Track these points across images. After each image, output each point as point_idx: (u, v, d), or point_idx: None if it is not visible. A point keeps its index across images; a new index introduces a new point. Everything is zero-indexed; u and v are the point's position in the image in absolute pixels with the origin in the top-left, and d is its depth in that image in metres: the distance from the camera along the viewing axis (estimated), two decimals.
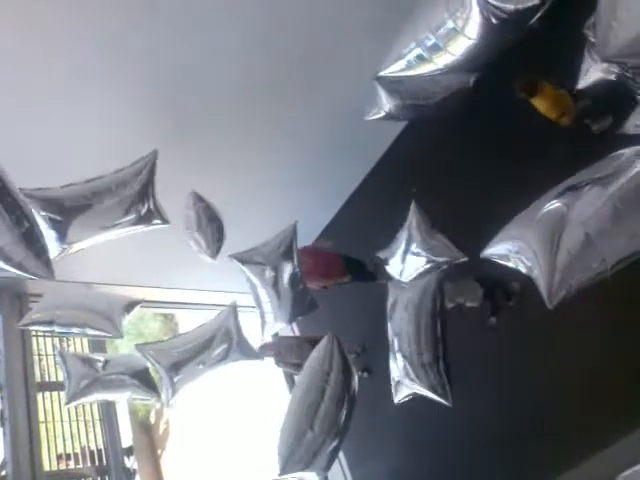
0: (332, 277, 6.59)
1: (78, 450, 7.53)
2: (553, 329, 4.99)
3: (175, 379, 5.48)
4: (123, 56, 4.89)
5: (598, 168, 3.14)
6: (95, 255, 6.37)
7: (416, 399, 6.18)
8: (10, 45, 4.33)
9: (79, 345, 7.78)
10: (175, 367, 5.50)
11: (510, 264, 3.43)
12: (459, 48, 4.43)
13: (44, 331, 6.17)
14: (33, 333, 7.18)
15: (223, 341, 5.76)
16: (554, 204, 3.21)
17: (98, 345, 7.75)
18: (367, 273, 6.89)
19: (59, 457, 7.86)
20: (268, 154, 6.70)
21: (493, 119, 5.83)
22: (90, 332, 5.56)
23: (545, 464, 4.98)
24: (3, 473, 6.11)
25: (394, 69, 4.84)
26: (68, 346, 7.83)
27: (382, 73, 4.95)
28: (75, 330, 5.64)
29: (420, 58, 4.62)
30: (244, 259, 5.56)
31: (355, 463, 7.63)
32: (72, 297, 6.03)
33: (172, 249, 6.19)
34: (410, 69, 4.74)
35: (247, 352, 5.93)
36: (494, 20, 4.09)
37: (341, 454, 7.76)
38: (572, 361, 4.88)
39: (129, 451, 9.83)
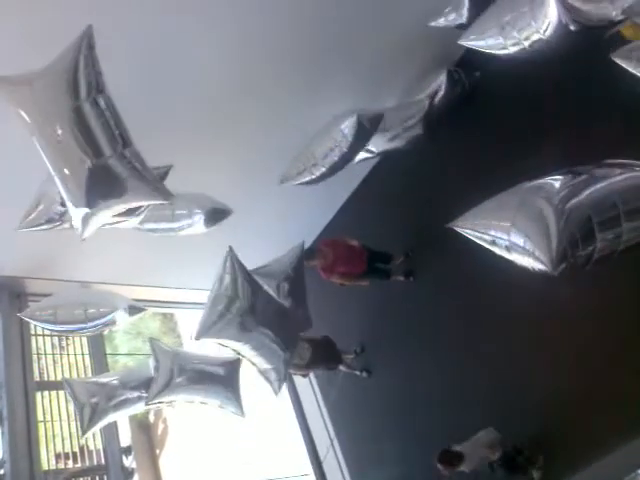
0: (352, 275, 6.55)
1: (77, 449, 7.50)
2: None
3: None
4: None
5: None
6: (95, 255, 6.39)
7: (420, 404, 6.25)
8: None
9: (78, 345, 7.75)
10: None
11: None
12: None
13: (43, 328, 6.19)
14: (32, 332, 7.18)
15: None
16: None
17: (97, 344, 7.73)
18: (383, 271, 6.88)
19: (57, 456, 7.83)
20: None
21: None
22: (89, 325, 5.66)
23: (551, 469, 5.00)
24: (1, 472, 6.11)
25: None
26: (67, 345, 7.81)
27: None
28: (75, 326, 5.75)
29: None
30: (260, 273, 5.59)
31: (355, 465, 7.63)
32: (74, 296, 6.10)
33: (172, 249, 6.18)
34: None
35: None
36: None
37: (342, 461, 7.76)
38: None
39: (127, 450, 9.82)
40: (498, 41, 4.56)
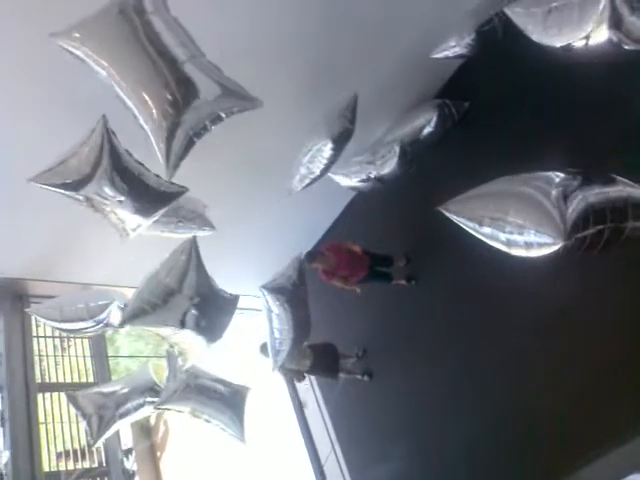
0: (352, 280, 6.55)
1: (78, 450, 7.53)
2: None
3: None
4: None
5: None
6: (96, 257, 6.41)
7: (422, 408, 6.24)
8: None
9: (80, 347, 7.78)
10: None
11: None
12: None
13: (48, 324, 6.25)
14: (34, 334, 7.20)
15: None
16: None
17: (99, 346, 7.75)
18: (384, 275, 6.89)
19: (59, 456, 7.86)
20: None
21: None
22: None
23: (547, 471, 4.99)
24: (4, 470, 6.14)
25: None
26: (69, 347, 7.83)
27: None
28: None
29: None
30: (272, 288, 5.67)
31: (356, 469, 7.61)
32: (78, 295, 6.17)
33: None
34: None
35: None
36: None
37: (342, 460, 7.76)
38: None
39: (128, 452, 9.84)
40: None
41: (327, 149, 5.94)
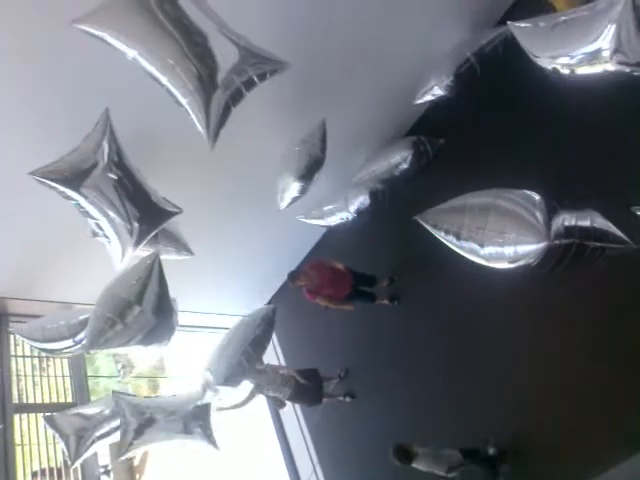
0: (337, 298, 6.55)
1: (54, 468, 7.38)
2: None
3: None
4: None
5: None
6: (76, 275, 6.38)
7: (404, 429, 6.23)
8: None
9: (59, 366, 7.66)
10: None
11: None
12: None
13: (31, 345, 6.18)
14: (12, 353, 7.10)
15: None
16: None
17: (78, 366, 7.65)
18: (368, 294, 6.89)
19: (34, 475, 7.69)
20: None
21: None
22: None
23: None
24: None
25: None
26: (48, 366, 7.71)
27: None
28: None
29: None
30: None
31: None
32: (59, 314, 6.10)
33: None
34: None
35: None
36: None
37: None
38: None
39: (106, 472, 9.66)
40: None
41: (294, 187, 6.22)
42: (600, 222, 3.58)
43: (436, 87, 6.11)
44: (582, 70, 3.64)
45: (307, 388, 6.88)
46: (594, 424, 4.56)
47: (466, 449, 5.15)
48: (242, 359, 5.77)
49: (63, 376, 7.69)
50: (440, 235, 3.99)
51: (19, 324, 6.52)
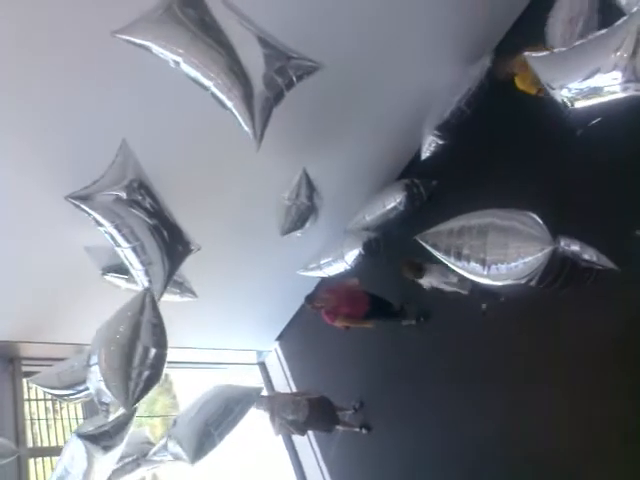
0: (357, 316, 6.52)
1: None
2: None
3: None
4: None
5: None
6: (88, 317, 6.39)
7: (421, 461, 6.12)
8: None
9: (72, 409, 7.64)
10: None
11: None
12: None
13: (48, 393, 6.16)
14: (26, 397, 7.10)
15: None
16: None
17: (92, 407, 7.62)
18: (391, 313, 6.86)
19: None
20: None
21: None
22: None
23: None
24: None
25: None
26: (61, 409, 7.69)
27: None
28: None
29: None
30: None
31: None
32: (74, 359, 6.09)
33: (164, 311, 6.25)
34: None
35: None
36: None
37: None
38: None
39: None
40: None
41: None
42: (587, 249, 3.73)
43: (432, 138, 6.34)
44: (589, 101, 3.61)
45: (321, 412, 6.90)
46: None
47: None
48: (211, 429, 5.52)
49: (77, 418, 7.66)
50: (440, 255, 4.02)
51: (35, 374, 6.53)
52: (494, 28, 6.48)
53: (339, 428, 7.28)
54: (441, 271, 5.46)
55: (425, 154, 6.46)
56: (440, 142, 6.26)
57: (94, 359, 4.48)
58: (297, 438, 8.63)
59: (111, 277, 5.75)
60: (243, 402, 5.40)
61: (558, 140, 5.33)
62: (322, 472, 8.24)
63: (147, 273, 4.82)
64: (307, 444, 8.53)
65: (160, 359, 4.46)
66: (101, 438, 5.00)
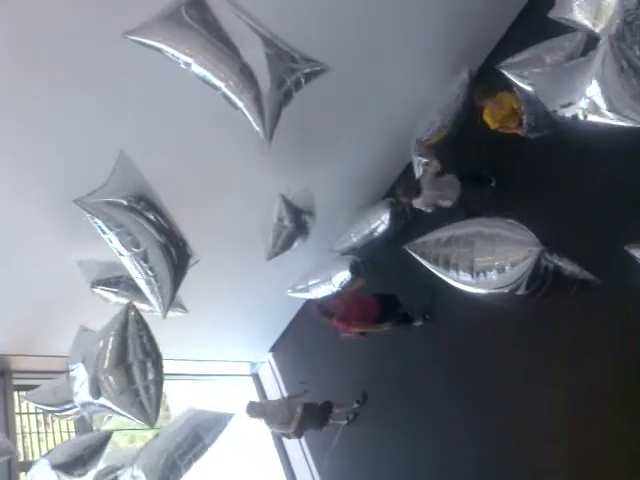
0: (369, 320, 6.47)
1: None
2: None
3: None
4: None
5: None
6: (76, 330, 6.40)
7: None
8: None
9: (64, 422, 7.58)
10: None
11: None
12: None
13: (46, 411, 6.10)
14: (17, 410, 7.06)
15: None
16: None
17: (83, 420, 7.56)
18: (401, 314, 6.79)
19: None
20: None
21: None
22: None
23: None
24: None
25: None
26: (53, 422, 7.64)
27: None
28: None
29: None
30: None
31: None
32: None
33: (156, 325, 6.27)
34: None
35: None
36: None
37: None
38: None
39: None
40: None
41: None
42: (570, 263, 3.76)
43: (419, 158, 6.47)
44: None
45: (313, 416, 6.98)
46: None
47: None
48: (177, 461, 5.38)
49: (69, 432, 7.61)
50: (429, 265, 4.05)
51: (26, 387, 6.50)
52: (480, 46, 6.61)
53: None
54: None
55: (418, 173, 6.51)
56: (424, 160, 6.33)
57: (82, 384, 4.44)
58: (290, 449, 8.63)
59: (100, 290, 5.75)
60: (214, 430, 5.28)
61: (546, 157, 5.41)
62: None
63: (153, 281, 4.79)
64: (301, 456, 8.51)
65: (158, 365, 4.45)
66: (75, 466, 4.94)
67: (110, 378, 4.28)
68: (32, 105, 4.41)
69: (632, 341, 4.42)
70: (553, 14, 4.31)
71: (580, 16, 4.00)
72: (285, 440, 8.58)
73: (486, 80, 5.96)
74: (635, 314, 4.36)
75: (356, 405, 7.55)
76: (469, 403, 5.89)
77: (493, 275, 3.72)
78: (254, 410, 6.86)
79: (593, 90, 3.33)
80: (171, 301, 4.89)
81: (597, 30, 3.90)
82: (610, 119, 3.36)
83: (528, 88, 4.96)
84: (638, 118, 3.25)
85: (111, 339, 4.34)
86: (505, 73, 5.27)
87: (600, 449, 4.55)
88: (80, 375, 4.63)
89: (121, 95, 4.72)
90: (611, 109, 3.30)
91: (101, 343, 4.40)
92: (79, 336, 5.09)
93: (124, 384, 4.28)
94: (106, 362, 4.30)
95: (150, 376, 4.41)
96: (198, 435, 5.14)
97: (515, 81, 5.18)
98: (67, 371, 4.67)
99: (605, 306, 4.50)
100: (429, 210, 5.95)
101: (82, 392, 4.63)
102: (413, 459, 6.53)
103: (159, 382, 4.47)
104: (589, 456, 4.62)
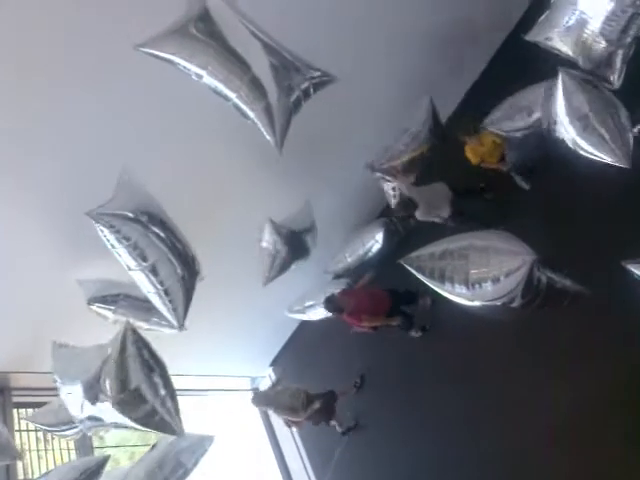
0: (379, 314, 6.47)
1: None
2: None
3: None
4: None
5: None
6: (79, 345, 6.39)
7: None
8: None
9: (64, 440, 7.54)
10: None
11: None
12: None
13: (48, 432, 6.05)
14: (16, 428, 7.04)
15: None
16: None
17: (83, 438, 7.53)
18: (407, 314, 6.78)
19: None
20: None
21: None
22: None
23: None
24: None
25: None
26: (52, 439, 7.61)
27: None
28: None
29: None
30: None
31: None
32: None
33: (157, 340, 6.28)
34: None
35: None
36: None
37: None
38: None
39: None
40: None
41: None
42: (563, 277, 3.85)
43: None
44: None
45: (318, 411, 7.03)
46: None
47: None
48: None
49: (68, 449, 7.57)
50: (424, 278, 4.07)
51: (26, 404, 6.48)
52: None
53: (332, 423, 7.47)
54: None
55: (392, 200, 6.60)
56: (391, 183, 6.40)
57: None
58: (290, 459, 8.61)
59: (97, 307, 5.76)
60: (196, 453, 5.24)
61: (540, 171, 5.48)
62: None
63: (164, 295, 4.82)
64: (301, 467, 8.50)
65: (165, 376, 4.45)
66: None
67: (122, 408, 4.25)
68: (32, 106, 4.44)
69: (630, 352, 4.48)
70: (531, 37, 4.40)
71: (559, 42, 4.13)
72: (285, 451, 8.59)
73: (468, 117, 6.04)
74: (633, 326, 4.39)
75: (355, 389, 7.64)
76: (471, 413, 5.92)
77: (488, 286, 3.76)
78: (259, 400, 7.01)
79: None
80: (185, 313, 4.90)
81: (575, 56, 4.08)
82: None
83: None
84: None
85: (116, 368, 4.31)
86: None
87: (600, 453, 4.57)
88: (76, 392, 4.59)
89: (121, 95, 4.76)
90: None
91: (108, 375, 4.37)
92: (56, 353, 5.01)
93: (141, 409, 4.28)
94: (110, 391, 4.27)
95: (162, 391, 4.41)
96: (179, 461, 5.06)
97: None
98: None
99: (603, 318, 4.59)
100: (432, 219, 6.00)
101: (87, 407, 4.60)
102: (414, 468, 6.53)
103: (172, 393, 4.47)
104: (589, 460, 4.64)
